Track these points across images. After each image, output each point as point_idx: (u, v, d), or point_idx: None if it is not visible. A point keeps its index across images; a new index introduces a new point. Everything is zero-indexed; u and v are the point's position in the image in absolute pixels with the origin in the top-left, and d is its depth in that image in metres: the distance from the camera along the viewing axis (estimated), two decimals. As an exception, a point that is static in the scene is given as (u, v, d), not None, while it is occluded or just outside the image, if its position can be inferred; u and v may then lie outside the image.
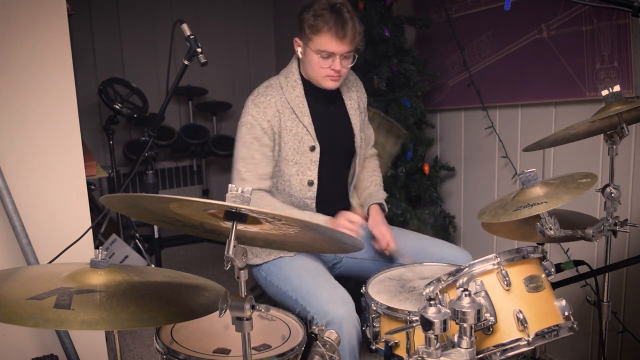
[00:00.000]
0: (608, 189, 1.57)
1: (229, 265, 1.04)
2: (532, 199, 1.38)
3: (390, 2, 2.72)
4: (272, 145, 1.95)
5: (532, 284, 1.29)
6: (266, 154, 1.94)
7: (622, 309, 2.23)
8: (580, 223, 1.57)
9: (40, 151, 1.90)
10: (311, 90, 1.99)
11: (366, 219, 2.04)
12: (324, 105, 2.03)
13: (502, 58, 2.61)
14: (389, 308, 1.56)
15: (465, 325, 1.14)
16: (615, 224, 1.55)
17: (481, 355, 1.25)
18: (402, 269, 1.87)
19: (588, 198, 1.93)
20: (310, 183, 1.99)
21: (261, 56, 4.90)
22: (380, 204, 2.09)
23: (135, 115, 3.59)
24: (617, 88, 1.53)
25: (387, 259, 2.01)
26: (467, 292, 1.15)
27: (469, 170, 2.94)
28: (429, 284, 1.34)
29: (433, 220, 2.83)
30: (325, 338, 1.39)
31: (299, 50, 1.94)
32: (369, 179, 2.19)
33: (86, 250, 1.92)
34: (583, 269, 1.63)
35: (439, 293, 1.31)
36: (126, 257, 3.19)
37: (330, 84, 1.95)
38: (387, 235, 1.96)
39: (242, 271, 1.05)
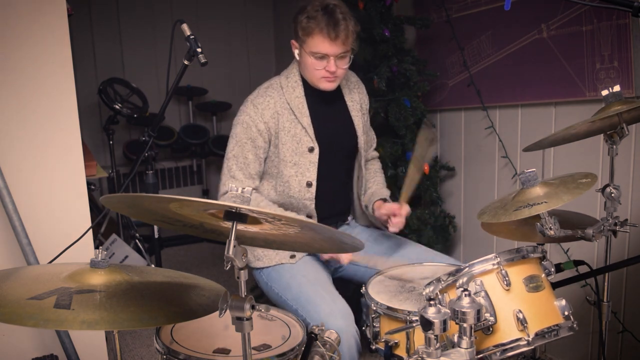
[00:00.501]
0: (608, 189, 1.57)
1: (229, 265, 1.04)
2: (532, 199, 1.38)
3: (390, 2, 2.72)
4: (265, 147, 1.96)
5: (532, 283, 1.29)
6: (258, 155, 1.97)
7: (622, 309, 2.23)
8: (580, 223, 1.57)
9: (40, 151, 1.90)
10: (312, 91, 1.99)
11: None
12: (325, 107, 2.03)
13: (502, 58, 2.61)
14: (389, 308, 1.56)
15: (465, 325, 1.14)
16: (615, 224, 1.55)
17: (481, 355, 1.25)
18: (402, 268, 1.87)
19: (588, 198, 1.92)
20: (309, 184, 1.99)
21: (261, 56, 4.90)
22: (384, 199, 2.07)
23: (135, 115, 3.59)
24: (617, 88, 1.53)
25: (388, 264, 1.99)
26: (467, 292, 1.15)
27: (469, 170, 2.94)
28: (428, 284, 1.34)
29: (433, 220, 2.83)
30: (325, 338, 1.40)
31: (296, 52, 1.94)
32: (371, 180, 2.18)
33: (86, 250, 1.92)
34: (583, 269, 1.63)
35: (438, 293, 1.31)
36: (126, 257, 3.19)
37: (326, 85, 1.94)
38: (395, 205, 1.95)
39: (242, 271, 1.05)
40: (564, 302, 1.30)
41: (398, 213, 1.94)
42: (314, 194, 2.00)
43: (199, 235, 1.29)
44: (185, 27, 1.88)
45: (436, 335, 1.12)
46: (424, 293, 1.35)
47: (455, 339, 1.17)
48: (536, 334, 1.24)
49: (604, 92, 1.53)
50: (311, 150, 1.97)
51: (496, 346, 1.24)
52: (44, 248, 1.87)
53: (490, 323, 1.23)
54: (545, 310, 1.28)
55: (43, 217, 1.91)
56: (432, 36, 2.97)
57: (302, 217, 1.94)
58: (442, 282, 1.31)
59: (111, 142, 3.64)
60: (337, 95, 2.07)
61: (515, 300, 1.27)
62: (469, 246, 2.99)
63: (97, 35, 4.31)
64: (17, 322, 0.94)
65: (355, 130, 2.09)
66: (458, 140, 2.96)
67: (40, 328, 1.46)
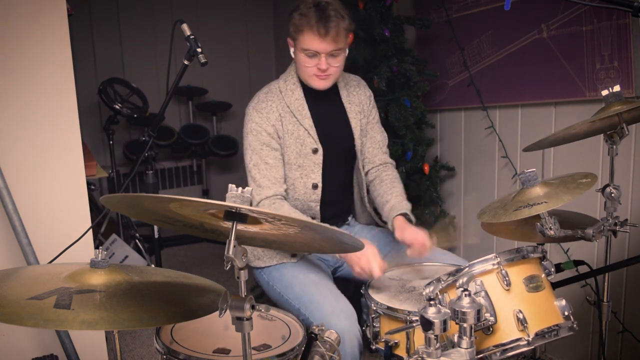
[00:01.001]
0: (608, 189, 1.57)
1: (229, 265, 1.04)
2: (532, 199, 1.38)
3: (390, 2, 2.72)
4: (280, 148, 1.95)
5: (532, 283, 1.29)
6: (277, 157, 1.94)
7: (622, 309, 2.23)
8: (580, 223, 1.57)
9: (40, 151, 1.90)
10: (310, 92, 1.98)
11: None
12: (325, 107, 2.02)
13: (502, 58, 2.61)
14: (389, 308, 1.56)
15: (465, 325, 1.14)
16: (615, 224, 1.55)
17: (481, 355, 1.25)
18: (402, 268, 1.87)
19: (588, 198, 1.92)
20: (315, 186, 1.98)
21: (261, 56, 4.90)
22: (404, 214, 1.93)
23: (135, 115, 3.59)
24: (617, 88, 1.53)
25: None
26: (467, 292, 1.15)
27: (469, 170, 2.94)
28: (429, 284, 1.34)
29: (433, 220, 2.83)
30: (325, 338, 1.40)
31: (291, 50, 1.94)
32: (389, 192, 2.04)
33: (86, 250, 1.92)
34: (583, 269, 1.63)
35: (439, 293, 1.31)
36: (126, 257, 3.19)
37: (318, 84, 1.93)
38: (420, 236, 1.81)
39: (242, 271, 1.05)
40: (564, 302, 1.30)
41: (424, 250, 1.80)
42: (320, 196, 2.00)
43: (199, 235, 1.29)
44: (185, 27, 1.88)
45: (436, 335, 1.12)
46: (424, 293, 1.35)
47: (455, 339, 1.17)
48: (536, 334, 1.24)
49: (604, 92, 1.53)
50: (315, 151, 1.97)
51: (496, 346, 1.24)
52: (44, 248, 1.87)
53: (490, 323, 1.23)
54: (545, 310, 1.28)
55: (43, 217, 1.91)
56: (432, 36, 2.97)
57: (306, 217, 1.94)
58: (442, 282, 1.31)
59: (111, 142, 3.64)
60: (335, 97, 2.06)
61: (515, 300, 1.27)
62: (469, 246, 2.99)
63: (97, 35, 4.31)
64: (17, 322, 0.94)
65: (352, 133, 2.07)
66: (458, 140, 2.96)
67: (40, 328, 1.46)
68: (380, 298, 1.62)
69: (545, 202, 1.35)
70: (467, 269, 1.29)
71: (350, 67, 2.21)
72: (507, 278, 1.27)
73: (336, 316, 1.68)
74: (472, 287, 1.25)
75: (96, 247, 1.28)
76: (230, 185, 1.04)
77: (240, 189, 1.03)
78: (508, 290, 1.27)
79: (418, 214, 2.73)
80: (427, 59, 2.90)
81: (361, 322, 1.72)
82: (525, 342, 1.23)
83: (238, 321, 1.07)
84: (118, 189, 3.72)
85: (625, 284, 2.22)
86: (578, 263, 1.61)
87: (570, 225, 1.52)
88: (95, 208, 3.12)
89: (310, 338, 1.39)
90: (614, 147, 1.57)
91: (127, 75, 4.25)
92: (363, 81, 2.18)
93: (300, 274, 1.89)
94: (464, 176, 2.97)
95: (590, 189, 1.38)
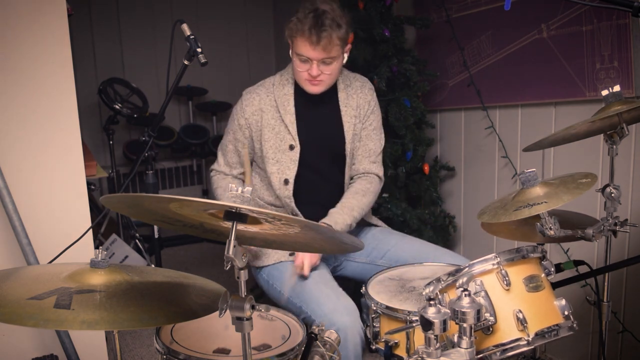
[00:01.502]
0: (608, 189, 1.57)
1: (229, 265, 1.04)
2: (532, 199, 1.38)
3: (390, 2, 2.72)
4: (245, 141, 2.02)
5: (532, 283, 1.29)
6: (237, 147, 2.05)
7: (622, 309, 2.23)
8: (580, 223, 1.57)
9: (40, 151, 1.90)
10: (303, 91, 1.98)
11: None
12: (315, 108, 2.02)
13: (502, 58, 2.61)
14: (388, 308, 1.56)
15: (465, 325, 1.14)
16: (615, 224, 1.55)
17: (481, 355, 1.25)
18: (402, 268, 1.87)
19: (588, 198, 1.93)
20: (286, 182, 1.99)
21: (261, 56, 4.90)
22: (327, 224, 1.88)
23: (135, 115, 3.59)
24: (617, 88, 1.52)
25: (388, 263, 1.99)
26: (466, 292, 1.15)
27: (469, 170, 2.94)
28: (428, 284, 1.34)
29: (433, 220, 2.83)
30: (325, 338, 1.40)
31: (290, 52, 1.95)
32: (343, 200, 2.01)
33: (86, 250, 1.92)
34: (583, 269, 1.63)
35: (438, 293, 1.31)
36: (126, 257, 3.19)
37: (310, 88, 1.94)
38: (301, 258, 1.84)
39: (242, 271, 1.06)
40: (564, 302, 1.30)
41: (299, 265, 1.85)
42: (292, 192, 2.00)
43: (199, 235, 1.29)
44: (185, 27, 1.88)
45: (436, 335, 1.12)
46: (424, 293, 1.35)
47: (455, 339, 1.17)
48: (536, 334, 1.24)
49: (604, 92, 1.53)
50: (292, 148, 1.98)
51: (496, 346, 1.24)
52: (44, 248, 1.87)
53: (490, 323, 1.23)
54: (545, 310, 1.28)
55: (43, 217, 1.91)
56: (432, 36, 2.97)
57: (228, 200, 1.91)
58: (442, 282, 1.31)
59: (111, 142, 3.64)
60: (331, 98, 2.04)
61: (515, 300, 1.27)
62: (469, 246, 2.99)
63: (97, 35, 4.31)
64: (17, 322, 0.94)
65: (344, 136, 2.04)
66: (458, 140, 2.96)
67: (40, 328, 1.46)
68: (380, 298, 1.62)
69: (545, 202, 1.35)
70: (467, 269, 1.29)
71: (350, 67, 2.20)
72: (507, 278, 1.27)
73: (338, 313, 1.68)
74: (472, 287, 1.25)
75: (96, 247, 1.28)
76: (230, 185, 1.04)
77: (240, 189, 1.03)
78: (508, 290, 1.27)
79: (418, 214, 2.75)
80: (427, 59, 2.90)
81: (361, 322, 1.72)
82: (525, 342, 1.23)
83: (238, 321, 1.07)
84: (118, 189, 3.72)
85: (625, 284, 2.22)
86: (578, 263, 1.61)
87: (570, 225, 1.52)
88: (95, 208, 3.12)
89: (310, 338, 1.39)
90: (614, 147, 1.57)
91: (127, 75, 4.25)
92: (369, 84, 2.13)
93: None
94: (464, 176, 2.97)
95: (590, 189, 1.38)
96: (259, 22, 4.89)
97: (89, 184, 2.26)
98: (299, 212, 2.02)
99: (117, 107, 3.52)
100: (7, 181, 1.81)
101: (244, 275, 1.06)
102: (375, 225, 2.18)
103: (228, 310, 1.06)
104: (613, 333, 2.23)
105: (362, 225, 2.18)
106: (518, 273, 1.29)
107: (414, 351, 1.17)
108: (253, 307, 1.06)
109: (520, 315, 1.24)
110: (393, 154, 2.69)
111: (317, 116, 2.03)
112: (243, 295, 1.06)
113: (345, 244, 1.31)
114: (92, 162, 2.80)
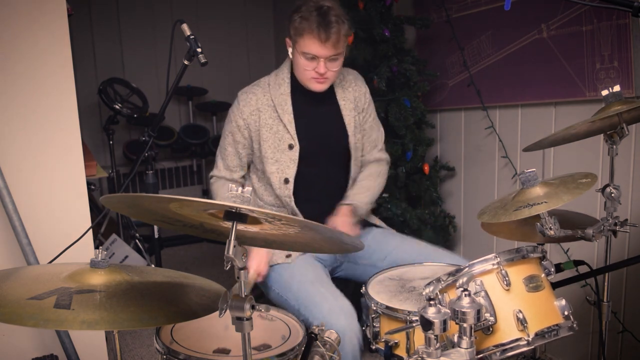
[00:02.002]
0: (608, 189, 1.57)
1: (229, 265, 1.04)
2: (532, 199, 1.38)
3: (390, 2, 2.72)
4: (245, 142, 2.01)
5: (532, 283, 1.29)
6: (237, 149, 2.03)
7: (622, 309, 2.23)
8: (580, 223, 1.57)
9: (40, 151, 1.90)
10: (300, 89, 1.98)
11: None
12: (313, 106, 2.02)
13: (502, 58, 2.61)
14: (388, 308, 1.56)
15: (465, 325, 1.14)
16: (615, 224, 1.55)
17: (481, 355, 1.25)
18: (402, 268, 1.87)
19: (588, 198, 1.93)
20: (286, 181, 1.99)
21: (261, 56, 4.90)
22: (350, 204, 2.00)
23: (135, 115, 3.59)
24: (617, 88, 1.52)
25: (388, 266, 1.99)
26: (466, 292, 1.15)
27: (469, 170, 2.94)
28: (428, 284, 1.34)
29: (433, 220, 2.83)
30: (325, 338, 1.40)
31: (290, 50, 1.94)
32: (359, 182, 2.11)
33: (86, 250, 1.92)
34: (583, 269, 1.63)
35: (438, 293, 1.31)
36: (126, 257, 3.19)
37: (316, 87, 1.94)
38: (336, 221, 1.92)
39: (242, 271, 1.05)
40: (564, 302, 1.30)
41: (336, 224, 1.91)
42: (292, 191, 2.00)
43: (199, 235, 1.29)
44: (185, 27, 1.88)
45: (436, 335, 1.12)
46: (424, 293, 1.35)
47: (455, 339, 1.17)
48: (536, 334, 1.24)
49: (604, 92, 1.53)
50: (291, 147, 1.97)
51: (496, 346, 1.24)
52: (44, 248, 1.87)
53: (490, 323, 1.23)
54: (545, 310, 1.28)
55: (43, 217, 1.91)
56: (432, 36, 2.97)
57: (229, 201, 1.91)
58: (442, 282, 1.31)
59: (111, 142, 3.64)
60: (328, 94, 2.04)
61: (515, 300, 1.27)
62: (469, 246, 2.99)
63: (97, 35, 4.31)
64: (17, 322, 0.94)
65: (346, 130, 2.06)
66: (458, 140, 2.96)
67: (40, 328, 1.46)
68: (380, 298, 1.62)
69: (545, 202, 1.35)
70: (467, 269, 1.29)
71: (350, 67, 2.20)
72: (507, 278, 1.27)
73: (335, 315, 1.68)
74: (472, 287, 1.25)
75: (96, 247, 1.28)
76: (230, 185, 1.04)
77: (240, 188, 1.03)
78: (508, 290, 1.27)
79: (418, 214, 2.75)
80: (427, 59, 2.90)
81: (361, 322, 1.72)
82: (525, 342, 1.23)
83: (238, 321, 1.07)
84: (118, 189, 3.72)
85: (625, 284, 2.22)
86: (578, 263, 1.61)
87: (570, 225, 1.52)
88: (95, 208, 3.12)
89: (310, 338, 1.39)
90: (614, 147, 1.57)
91: (127, 75, 4.25)
92: (360, 76, 2.17)
93: (298, 274, 1.89)
94: (464, 176, 2.97)
95: (590, 189, 1.38)
96: (259, 22, 4.89)
97: (89, 184, 2.26)
98: (298, 212, 2.02)
99: (117, 107, 3.52)
100: (7, 181, 1.81)
101: (244, 275, 1.06)
102: (376, 226, 2.18)
103: (228, 310, 1.06)
104: (613, 333, 2.23)
105: (362, 225, 2.18)
106: (518, 273, 1.29)
107: (414, 351, 1.17)
108: (253, 307, 1.06)
109: (520, 315, 1.24)
110: (393, 154, 2.69)
111: (317, 114, 2.03)
112: (243, 295, 1.06)
113: (345, 244, 1.31)
114: (92, 162, 2.80)
